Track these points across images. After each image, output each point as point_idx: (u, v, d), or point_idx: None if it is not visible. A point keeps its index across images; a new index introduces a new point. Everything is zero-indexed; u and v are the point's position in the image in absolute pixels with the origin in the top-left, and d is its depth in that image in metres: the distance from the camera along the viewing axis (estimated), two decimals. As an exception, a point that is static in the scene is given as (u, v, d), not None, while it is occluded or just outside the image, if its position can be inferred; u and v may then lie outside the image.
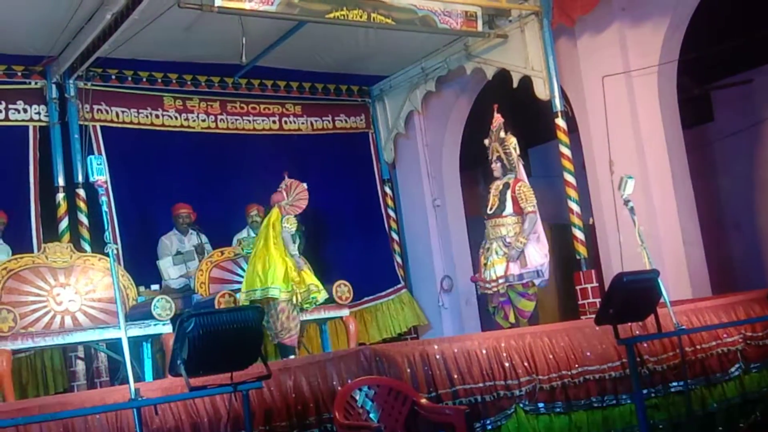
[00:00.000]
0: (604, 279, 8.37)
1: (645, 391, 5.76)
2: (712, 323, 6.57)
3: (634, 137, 8.39)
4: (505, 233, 7.24)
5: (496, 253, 7.22)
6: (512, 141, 7.46)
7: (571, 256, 8.50)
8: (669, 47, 8.36)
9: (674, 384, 6.16)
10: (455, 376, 5.37)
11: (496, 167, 7.44)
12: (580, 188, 8.54)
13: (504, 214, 7.26)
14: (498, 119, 7.57)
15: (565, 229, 8.77)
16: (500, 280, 7.18)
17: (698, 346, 6.43)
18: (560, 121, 8.40)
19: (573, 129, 8.72)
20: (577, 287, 8.29)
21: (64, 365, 8.11)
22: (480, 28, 8.48)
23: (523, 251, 7.16)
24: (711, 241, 8.92)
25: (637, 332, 5.93)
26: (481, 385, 5.42)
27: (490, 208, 7.37)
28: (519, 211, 7.26)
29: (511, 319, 7.30)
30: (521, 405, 5.54)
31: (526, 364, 5.65)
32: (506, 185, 7.35)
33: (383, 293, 10.26)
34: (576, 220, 8.36)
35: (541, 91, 8.46)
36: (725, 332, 6.61)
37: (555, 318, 10.37)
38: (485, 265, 7.29)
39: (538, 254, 7.24)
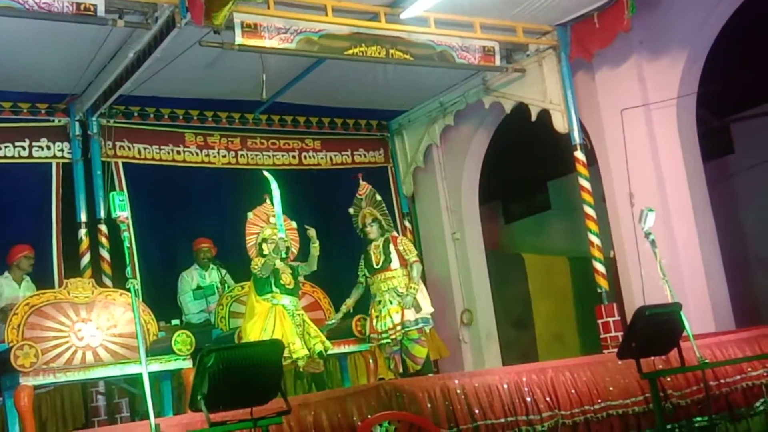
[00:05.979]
0: (626, 312, 8.30)
1: (669, 426, 5.70)
2: (736, 357, 6.51)
3: (654, 170, 8.36)
4: (395, 284, 7.43)
5: (390, 303, 7.41)
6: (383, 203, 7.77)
7: (591, 289, 8.44)
8: (688, 80, 8.36)
9: (698, 419, 6.09)
10: (476, 411, 5.33)
11: (371, 230, 7.65)
12: (600, 221, 8.52)
13: (392, 267, 7.47)
14: (366, 186, 7.80)
15: (585, 262, 8.72)
16: (398, 327, 7.32)
17: (722, 380, 6.36)
18: (579, 154, 8.43)
19: (592, 162, 8.71)
20: (599, 321, 8.24)
21: (83, 401, 8.12)
22: (498, 62, 8.52)
23: (416, 298, 7.36)
24: (734, 273, 8.83)
25: (661, 366, 5.88)
26: (502, 420, 5.38)
27: (377, 264, 7.54)
28: (404, 264, 7.49)
29: (400, 369, 7.42)
30: (543, 441, 5.49)
31: (548, 398, 5.61)
32: (387, 241, 7.58)
33: None
34: (596, 253, 8.34)
35: (559, 124, 8.49)
36: (750, 366, 6.54)
37: (576, 353, 10.28)
38: (377, 317, 7.46)
39: (427, 301, 7.49)
